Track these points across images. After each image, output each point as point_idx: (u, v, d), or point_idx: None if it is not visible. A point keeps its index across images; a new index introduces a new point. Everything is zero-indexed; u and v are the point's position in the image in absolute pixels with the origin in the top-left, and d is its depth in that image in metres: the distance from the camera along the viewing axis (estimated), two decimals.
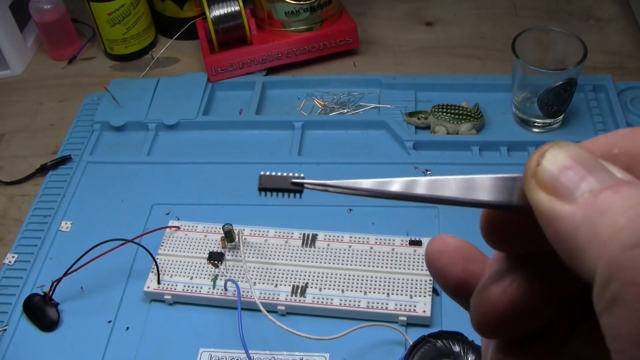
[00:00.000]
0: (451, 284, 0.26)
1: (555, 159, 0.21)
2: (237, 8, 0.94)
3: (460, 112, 0.84)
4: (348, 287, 0.67)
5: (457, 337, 0.59)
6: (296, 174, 0.26)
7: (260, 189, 0.26)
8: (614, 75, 0.89)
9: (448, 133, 0.84)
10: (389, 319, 0.65)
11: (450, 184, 0.23)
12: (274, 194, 0.26)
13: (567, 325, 0.24)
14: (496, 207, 0.23)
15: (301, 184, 0.26)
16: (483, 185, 0.23)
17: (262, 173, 0.26)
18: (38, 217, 0.80)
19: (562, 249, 0.20)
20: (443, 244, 0.26)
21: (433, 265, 0.26)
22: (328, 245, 0.71)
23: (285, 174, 0.26)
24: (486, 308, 0.23)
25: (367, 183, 0.24)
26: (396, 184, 0.24)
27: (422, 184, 0.23)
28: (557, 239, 0.20)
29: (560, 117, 0.83)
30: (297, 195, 0.26)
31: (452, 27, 1.04)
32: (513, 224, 0.23)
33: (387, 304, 0.65)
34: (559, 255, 0.20)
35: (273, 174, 0.26)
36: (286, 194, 0.26)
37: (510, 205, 0.22)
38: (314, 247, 0.71)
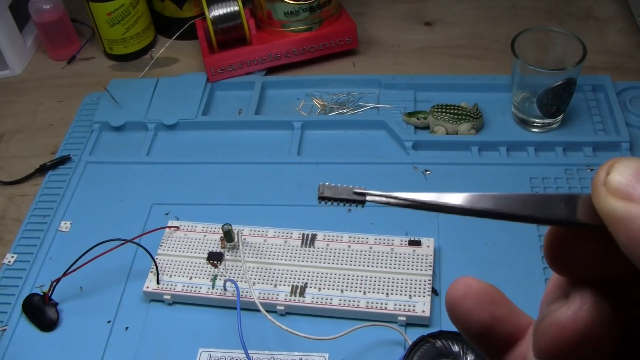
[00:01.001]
0: (476, 329, 0.24)
1: (626, 168, 0.20)
2: (236, 8, 0.94)
3: (460, 112, 0.84)
4: (347, 287, 0.67)
5: (456, 337, 0.59)
6: (356, 186, 0.26)
7: (321, 198, 0.26)
8: (613, 75, 0.89)
9: (447, 133, 0.84)
10: (388, 319, 0.65)
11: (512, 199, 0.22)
12: (334, 203, 0.26)
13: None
14: (560, 223, 0.22)
15: (364, 194, 0.25)
16: (547, 201, 0.22)
17: (321, 183, 0.26)
18: (37, 217, 0.80)
19: None
20: (467, 287, 0.24)
21: (455, 309, 0.24)
22: (327, 245, 0.71)
23: (345, 185, 0.26)
24: (557, 333, 0.22)
25: (429, 196, 0.23)
26: (457, 198, 0.23)
27: (485, 199, 0.23)
28: (635, 245, 0.19)
29: (560, 117, 0.83)
30: (360, 205, 0.25)
31: (452, 27, 1.04)
32: (579, 244, 0.22)
33: (386, 304, 0.65)
34: (634, 268, 0.19)
35: (333, 185, 0.26)
36: (347, 204, 0.26)
37: (574, 222, 0.22)
38: (313, 247, 0.71)
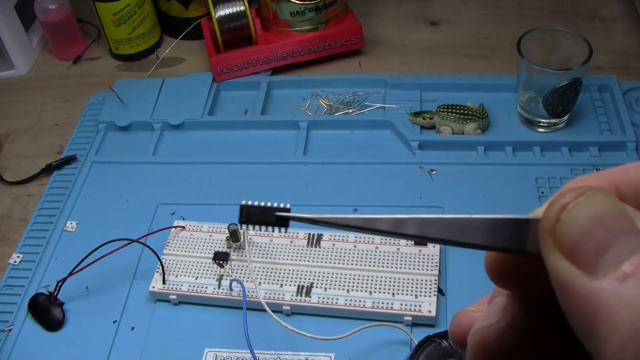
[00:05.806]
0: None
1: (579, 218, 0.18)
2: (242, 8, 0.94)
3: (466, 112, 0.84)
4: (353, 287, 0.67)
5: None
6: (281, 205, 0.24)
7: (242, 222, 0.24)
8: (619, 75, 0.89)
9: (453, 133, 0.84)
10: (394, 319, 0.65)
11: (443, 223, 0.22)
12: (257, 227, 0.24)
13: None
14: (507, 251, 0.21)
15: (286, 219, 0.24)
16: (495, 227, 0.21)
17: (243, 203, 0.24)
18: (43, 217, 0.80)
19: (576, 326, 0.17)
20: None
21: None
22: (333, 245, 0.71)
23: (269, 205, 0.24)
24: (483, 350, 0.22)
25: (356, 220, 0.23)
26: (384, 222, 0.22)
27: (411, 224, 0.22)
28: (572, 313, 0.17)
29: (566, 117, 0.83)
30: (282, 229, 0.24)
31: (457, 27, 1.04)
32: (523, 267, 0.21)
33: (392, 304, 0.65)
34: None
35: (256, 204, 0.24)
36: (270, 228, 0.24)
37: (522, 251, 0.20)
38: (319, 247, 0.71)
